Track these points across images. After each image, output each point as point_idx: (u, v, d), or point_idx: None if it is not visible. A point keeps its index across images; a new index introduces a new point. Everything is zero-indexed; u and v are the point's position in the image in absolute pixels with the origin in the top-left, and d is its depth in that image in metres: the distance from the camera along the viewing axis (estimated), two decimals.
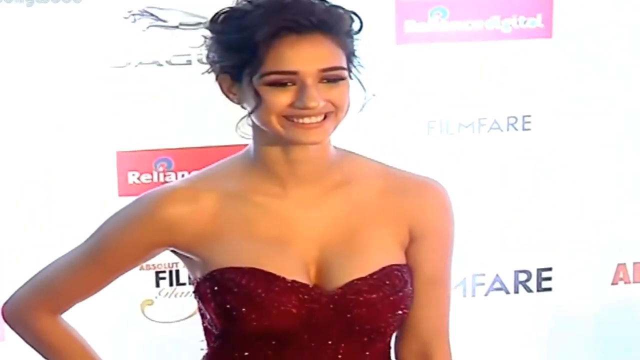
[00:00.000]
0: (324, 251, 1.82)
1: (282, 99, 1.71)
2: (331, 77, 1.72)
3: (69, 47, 2.99)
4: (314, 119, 1.72)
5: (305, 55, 1.70)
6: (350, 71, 1.77)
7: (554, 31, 3.33)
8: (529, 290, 3.48)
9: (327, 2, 1.75)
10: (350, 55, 1.77)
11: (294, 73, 1.70)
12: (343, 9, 1.77)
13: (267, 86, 1.71)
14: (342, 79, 1.74)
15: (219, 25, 1.76)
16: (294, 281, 1.78)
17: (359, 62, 1.79)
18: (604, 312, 3.53)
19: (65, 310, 1.96)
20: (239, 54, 1.71)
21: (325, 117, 1.73)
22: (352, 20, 1.77)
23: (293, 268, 1.80)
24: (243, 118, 1.82)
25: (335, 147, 1.85)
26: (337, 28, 1.73)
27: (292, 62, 1.69)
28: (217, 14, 1.77)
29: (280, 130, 1.74)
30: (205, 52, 1.80)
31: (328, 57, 1.71)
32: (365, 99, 1.82)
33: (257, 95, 1.72)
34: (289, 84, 1.71)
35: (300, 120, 1.72)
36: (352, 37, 1.77)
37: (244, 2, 1.74)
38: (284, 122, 1.73)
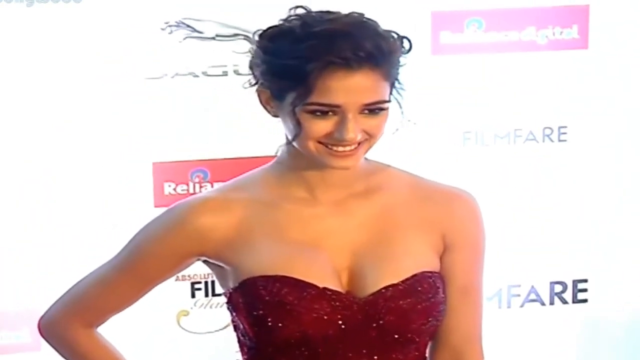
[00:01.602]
0: (355, 257, 1.82)
1: (321, 127, 1.72)
2: (372, 109, 1.73)
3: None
4: (347, 148, 1.74)
5: (351, 90, 1.70)
6: (390, 94, 1.77)
7: (590, 42, 3.31)
8: (565, 302, 3.45)
9: (378, 30, 1.74)
10: (394, 82, 1.77)
11: (338, 106, 1.71)
12: (394, 35, 1.77)
13: (308, 114, 1.72)
14: (383, 109, 1.75)
15: (267, 43, 1.76)
16: (325, 288, 1.78)
17: (401, 87, 1.79)
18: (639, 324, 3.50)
19: (100, 324, 1.97)
20: (285, 80, 1.72)
21: (358, 144, 1.75)
22: (402, 46, 1.77)
23: (324, 274, 1.80)
24: (281, 147, 1.85)
25: (366, 158, 1.85)
26: (385, 61, 1.72)
27: (337, 96, 1.70)
28: (267, 29, 1.78)
29: (315, 154, 1.76)
30: (249, 61, 1.81)
31: (373, 91, 1.72)
32: (401, 122, 1.83)
33: (297, 121, 1.73)
34: (330, 113, 1.72)
35: (334, 148, 1.74)
36: (399, 65, 1.77)
37: (294, 19, 1.75)
38: (319, 147, 1.74)
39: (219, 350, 3.05)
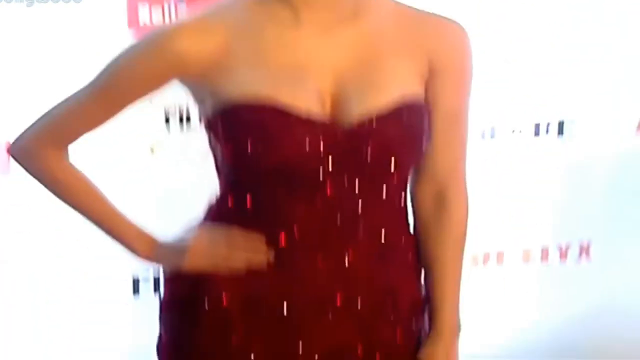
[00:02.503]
0: (339, 82, 1.76)
1: None
2: None
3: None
4: None
5: None
6: None
7: None
8: (550, 136, 3.41)
9: None
10: None
11: None
12: None
13: None
14: None
15: None
16: (308, 115, 1.73)
17: None
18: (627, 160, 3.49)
19: (71, 142, 1.91)
20: None
21: None
22: None
23: (309, 98, 1.74)
24: None
25: None
26: None
27: None
28: None
29: None
30: None
31: None
32: None
33: None
34: None
35: None
36: None
37: None
38: None
39: (194, 180, 2.99)
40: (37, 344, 3.12)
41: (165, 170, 3.15)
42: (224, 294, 1.84)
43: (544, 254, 3.53)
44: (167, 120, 3.09)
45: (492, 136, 3.40)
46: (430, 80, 1.83)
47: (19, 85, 2.98)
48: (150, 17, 3.02)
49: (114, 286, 3.13)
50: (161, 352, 1.95)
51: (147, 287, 3.16)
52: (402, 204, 1.88)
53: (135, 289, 3.17)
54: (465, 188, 1.93)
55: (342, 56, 1.77)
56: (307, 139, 1.73)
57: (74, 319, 3.12)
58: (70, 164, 1.92)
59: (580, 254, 3.55)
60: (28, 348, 3.13)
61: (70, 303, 3.12)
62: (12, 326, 3.11)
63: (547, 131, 3.44)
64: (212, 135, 1.81)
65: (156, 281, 3.15)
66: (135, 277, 3.15)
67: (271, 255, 1.81)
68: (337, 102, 1.76)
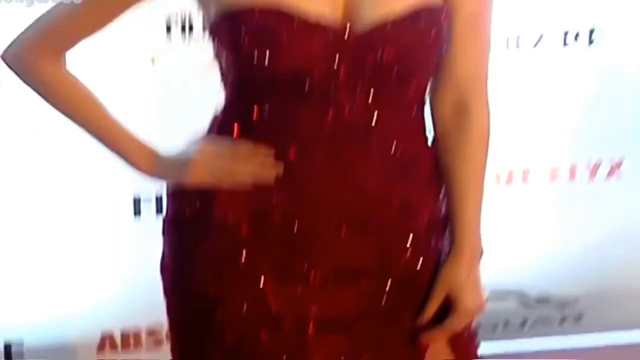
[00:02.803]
0: None
1: None
2: None
3: None
4: None
5: None
6: None
7: None
8: (579, 45, 3.26)
9: None
10: None
11: None
12: None
13: None
14: None
15: None
16: (317, 20, 1.65)
17: None
18: None
19: (68, 49, 1.84)
20: None
21: None
22: None
23: (317, 1, 1.66)
24: None
25: None
26: None
27: None
28: None
29: None
30: None
31: None
32: None
33: None
34: None
35: None
36: None
37: None
38: None
39: (197, 90, 2.88)
40: (36, 271, 3.05)
41: (166, 81, 3.01)
42: (230, 210, 1.75)
43: (572, 172, 3.42)
44: (168, 30, 2.96)
45: (517, 46, 3.25)
46: None
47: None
48: None
49: (113, 207, 3.04)
50: (165, 273, 1.87)
51: (148, 208, 3.06)
52: (420, 116, 1.81)
53: (137, 211, 3.07)
54: (487, 99, 1.85)
55: None
56: (316, 45, 1.65)
57: (73, 243, 3.05)
58: (68, 72, 1.85)
59: (612, 172, 3.43)
60: (27, 274, 3.06)
61: (69, 227, 3.04)
62: (10, 245, 3.04)
63: (576, 40, 3.28)
64: (216, 42, 1.74)
65: (158, 201, 3.05)
66: (137, 197, 3.06)
67: (279, 170, 1.71)
68: (350, 5, 1.67)
